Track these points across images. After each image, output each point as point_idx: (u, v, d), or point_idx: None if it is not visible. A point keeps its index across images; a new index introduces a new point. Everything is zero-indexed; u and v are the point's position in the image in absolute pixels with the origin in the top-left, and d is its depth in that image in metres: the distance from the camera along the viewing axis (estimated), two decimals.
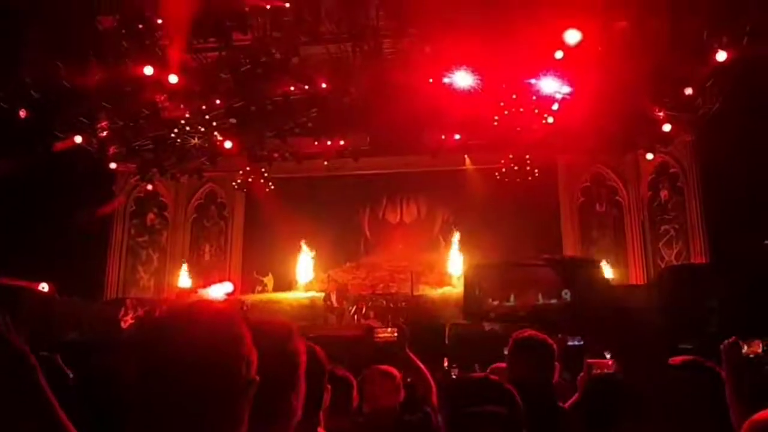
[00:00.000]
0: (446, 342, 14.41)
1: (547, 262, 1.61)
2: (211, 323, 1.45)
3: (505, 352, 3.96)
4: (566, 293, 1.58)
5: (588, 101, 15.82)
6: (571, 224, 20.84)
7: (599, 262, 1.72)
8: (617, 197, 20.77)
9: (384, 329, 10.84)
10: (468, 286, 1.65)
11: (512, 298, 1.59)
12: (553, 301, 1.57)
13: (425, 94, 15.40)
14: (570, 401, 4.45)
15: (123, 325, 16.37)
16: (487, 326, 15.00)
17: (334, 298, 18.64)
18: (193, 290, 20.23)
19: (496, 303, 1.60)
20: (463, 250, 19.93)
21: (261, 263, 21.29)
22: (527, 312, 1.57)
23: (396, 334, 4.69)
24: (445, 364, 12.80)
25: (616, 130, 17.71)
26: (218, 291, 20.75)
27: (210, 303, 1.53)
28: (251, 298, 19.85)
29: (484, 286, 1.58)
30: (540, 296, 1.58)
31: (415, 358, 4.48)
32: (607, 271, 18.81)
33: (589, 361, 5.09)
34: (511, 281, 1.58)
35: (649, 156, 19.11)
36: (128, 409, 1.35)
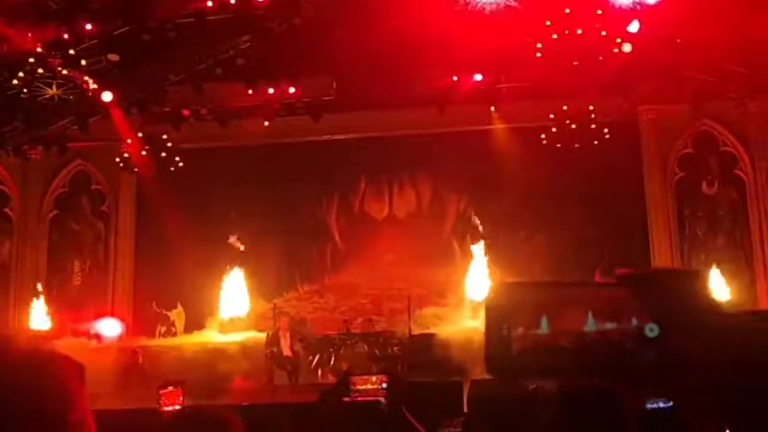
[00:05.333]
0: (465, 410, 14.53)
1: (621, 278, 1.58)
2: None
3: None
4: (652, 328, 1.55)
5: (687, 16, 15.96)
6: (662, 215, 21.01)
7: (705, 274, 1.70)
8: (737, 171, 20.98)
9: (365, 378, 10.87)
10: (493, 320, 1.63)
11: (544, 323, 1.57)
12: (611, 326, 1.55)
13: (425, 11, 15.47)
14: None
15: None
16: (531, 383, 15.14)
17: (284, 341, 18.72)
18: (53, 333, 20.22)
19: (520, 331, 1.60)
20: (493, 260, 20.07)
21: (164, 289, 21.33)
22: (573, 343, 1.55)
23: (384, 385, 4.75)
24: None
25: (733, 62, 17.85)
26: (101, 332, 20.92)
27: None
28: (150, 343, 19.87)
29: (513, 317, 1.56)
30: (590, 318, 1.55)
31: (416, 424, 4.55)
32: (721, 290, 18.98)
33: None
34: (547, 305, 1.56)
35: None
36: None
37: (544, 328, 1.53)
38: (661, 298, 1.51)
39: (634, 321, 1.50)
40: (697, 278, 1.61)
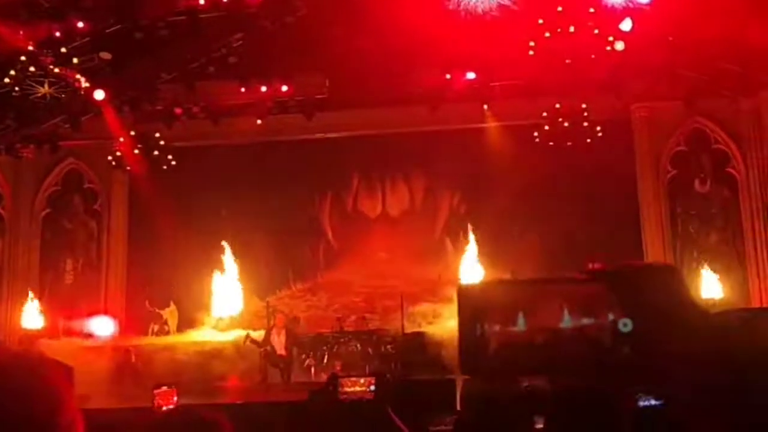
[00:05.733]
0: (458, 407, 14.53)
1: (594, 274, 1.56)
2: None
3: (539, 426, 3.98)
4: (626, 323, 1.53)
5: (679, 14, 15.99)
6: (655, 213, 21.04)
7: (680, 271, 1.66)
8: (729, 169, 21.01)
9: (354, 379, 10.93)
10: (465, 320, 1.61)
11: (520, 320, 1.55)
12: (587, 321, 1.53)
13: (417, 10, 15.46)
14: None
15: None
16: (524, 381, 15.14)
17: (278, 339, 18.67)
18: (45, 332, 20.19)
19: (496, 329, 1.58)
20: (485, 257, 20.07)
21: (157, 287, 21.31)
22: (549, 339, 1.53)
23: (372, 387, 4.77)
24: None
25: (725, 61, 17.88)
26: (94, 331, 20.88)
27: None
28: (143, 342, 19.85)
29: (487, 316, 1.54)
30: (566, 315, 1.53)
31: (401, 425, 4.55)
32: (713, 287, 19.01)
33: None
34: (523, 302, 1.54)
35: None
36: None
37: (520, 325, 1.52)
38: (634, 293, 1.49)
39: (610, 316, 1.48)
40: (671, 273, 1.59)
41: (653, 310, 1.51)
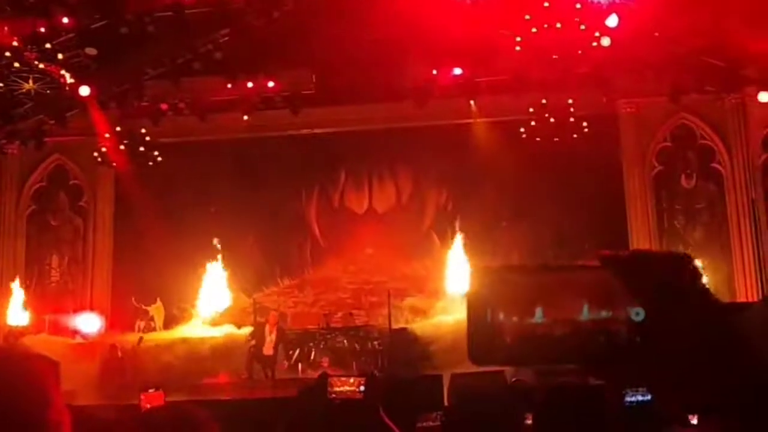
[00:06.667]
0: (445, 403, 14.54)
1: (605, 260, 1.53)
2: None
3: (529, 422, 3.99)
4: (638, 312, 1.49)
5: (664, 11, 16.03)
6: (641, 208, 21.10)
7: (692, 259, 1.64)
8: (714, 164, 21.09)
9: (344, 379, 10.93)
10: (474, 305, 1.56)
11: (539, 312, 1.51)
12: (605, 313, 1.50)
13: (404, 5, 15.47)
14: None
15: None
16: (510, 375, 15.17)
17: (269, 338, 18.62)
18: (31, 329, 20.14)
19: (514, 320, 1.53)
20: (472, 253, 20.09)
21: (143, 284, 21.24)
22: (567, 332, 1.49)
23: (362, 388, 4.78)
24: None
25: (710, 57, 17.93)
26: (80, 328, 20.85)
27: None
28: (129, 339, 19.82)
29: (502, 304, 1.51)
30: (585, 307, 1.49)
31: (392, 425, 4.55)
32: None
33: None
34: (542, 293, 1.51)
35: (764, 97, 19.39)
36: None
37: (538, 315, 1.48)
38: (648, 281, 1.46)
39: (627, 307, 1.45)
40: (686, 261, 1.56)
41: (667, 300, 1.47)
